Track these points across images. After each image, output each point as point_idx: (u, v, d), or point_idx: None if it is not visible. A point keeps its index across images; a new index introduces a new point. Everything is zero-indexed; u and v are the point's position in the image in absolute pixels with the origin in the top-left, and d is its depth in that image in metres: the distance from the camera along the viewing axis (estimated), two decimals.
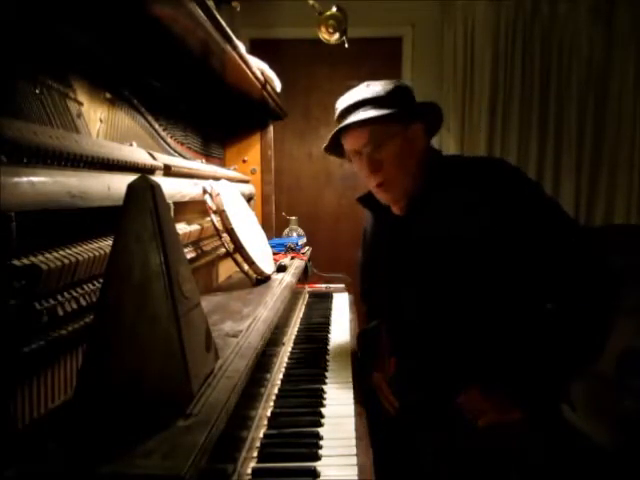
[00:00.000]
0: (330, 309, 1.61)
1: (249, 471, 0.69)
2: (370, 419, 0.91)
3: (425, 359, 1.10)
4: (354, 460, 0.73)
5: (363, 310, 1.66)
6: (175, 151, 1.28)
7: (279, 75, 1.75)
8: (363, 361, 1.23)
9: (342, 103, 1.09)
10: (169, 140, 1.25)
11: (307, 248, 1.91)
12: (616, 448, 1.03)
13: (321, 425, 0.82)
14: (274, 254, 1.53)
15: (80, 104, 0.83)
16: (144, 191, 0.54)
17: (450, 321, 1.04)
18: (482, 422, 0.97)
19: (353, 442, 0.78)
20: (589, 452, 1.00)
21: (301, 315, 1.50)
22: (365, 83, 1.08)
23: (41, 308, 0.53)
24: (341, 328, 1.41)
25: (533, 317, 1.01)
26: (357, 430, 0.82)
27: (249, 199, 1.81)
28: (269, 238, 1.70)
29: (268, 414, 0.85)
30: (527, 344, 0.99)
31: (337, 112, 1.10)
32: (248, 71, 1.38)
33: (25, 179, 0.52)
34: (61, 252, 0.59)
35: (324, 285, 1.87)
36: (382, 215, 1.19)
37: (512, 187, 1.01)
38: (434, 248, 1.05)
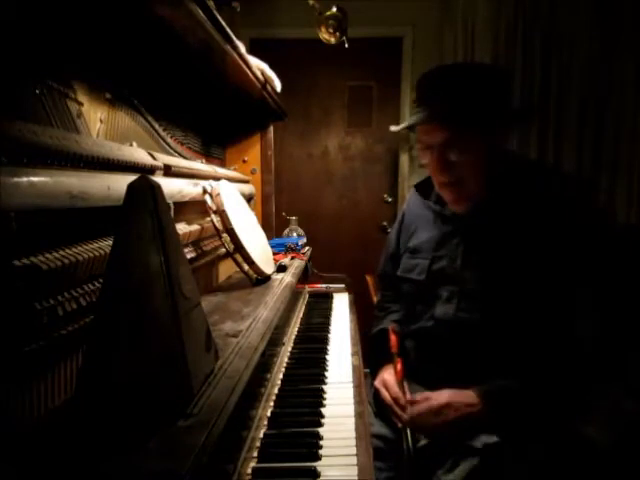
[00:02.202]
0: (330, 309, 1.61)
1: (249, 471, 0.69)
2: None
3: (450, 362, 1.08)
4: (354, 460, 0.73)
5: (363, 310, 1.66)
6: (175, 151, 1.28)
7: (279, 75, 1.75)
8: (372, 361, 1.22)
9: (428, 83, 1.00)
10: (169, 140, 1.25)
11: (307, 248, 1.91)
12: (616, 448, 1.03)
13: (321, 425, 0.82)
14: (274, 254, 1.53)
15: (80, 104, 0.83)
16: (144, 191, 0.54)
17: (487, 326, 1.02)
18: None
19: (353, 442, 0.78)
20: (589, 452, 1.00)
21: (301, 315, 1.50)
22: (462, 64, 1.00)
23: (41, 308, 0.53)
24: (341, 328, 1.41)
25: (562, 338, 0.99)
26: (357, 430, 0.82)
27: (249, 199, 1.81)
28: (269, 238, 1.70)
29: (268, 414, 0.85)
30: (551, 360, 0.98)
31: (419, 90, 1.02)
32: (248, 71, 1.38)
33: (25, 179, 0.52)
34: (61, 252, 0.59)
35: (324, 285, 1.87)
36: (437, 207, 1.16)
37: (574, 212, 0.99)
38: (488, 252, 1.02)
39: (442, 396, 1.01)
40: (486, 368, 1.03)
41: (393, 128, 1.13)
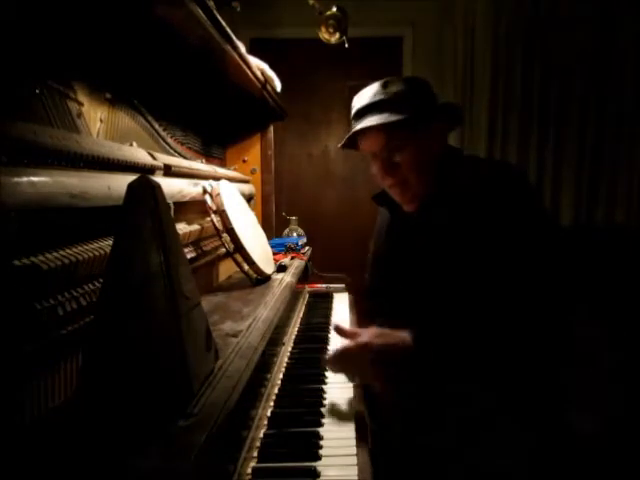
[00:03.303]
0: (330, 309, 1.61)
1: (249, 471, 0.69)
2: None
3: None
4: (354, 460, 0.73)
5: (363, 310, 1.66)
6: (175, 151, 1.28)
7: (279, 75, 1.75)
8: None
9: (358, 102, 1.08)
10: (169, 140, 1.25)
11: (307, 248, 1.91)
12: (611, 444, 1.03)
13: (321, 425, 0.82)
14: (274, 254, 1.53)
15: (80, 104, 0.83)
16: (144, 191, 0.54)
17: (451, 318, 1.04)
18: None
19: (353, 442, 0.78)
20: (583, 449, 1.00)
21: (301, 315, 1.50)
22: (382, 81, 1.07)
23: (41, 308, 0.53)
24: None
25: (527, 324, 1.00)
26: (357, 430, 0.82)
27: (249, 199, 1.81)
28: (269, 238, 1.70)
29: (268, 414, 0.85)
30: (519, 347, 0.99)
31: (353, 111, 1.09)
32: (248, 71, 1.38)
33: (25, 179, 0.52)
34: (61, 252, 0.59)
35: (324, 285, 1.87)
36: (396, 212, 1.20)
37: (512, 200, 1.01)
38: (441, 249, 1.05)
39: (365, 334, 0.96)
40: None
41: (339, 145, 1.20)
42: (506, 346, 0.98)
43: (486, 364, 0.98)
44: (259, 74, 1.51)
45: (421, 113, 1.03)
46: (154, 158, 0.92)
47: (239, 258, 1.15)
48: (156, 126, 1.17)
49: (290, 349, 1.18)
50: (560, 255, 1.01)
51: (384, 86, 1.06)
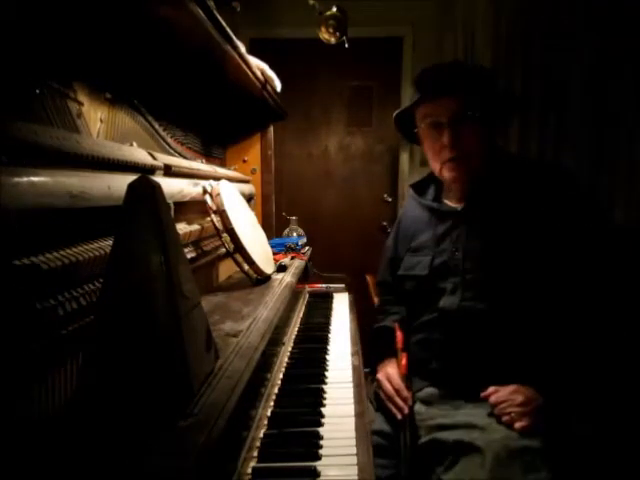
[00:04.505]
0: (330, 309, 1.61)
1: (249, 471, 0.69)
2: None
3: (457, 353, 1.09)
4: (354, 460, 0.73)
5: (363, 310, 1.66)
6: (175, 151, 1.28)
7: (279, 75, 1.75)
8: (373, 356, 1.23)
9: (431, 70, 1.09)
10: (169, 140, 1.25)
11: (307, 248, 1.91)
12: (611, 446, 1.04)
13: (321, 425, 0.82)
14: (274, 254, 1.53)
15: (80, 104, 0.83)
16: (144, 191, 0.54)
17: (493, 315, 1.04)
18: (520, 427, 0.94)
19: (353, 442, 0.78)
20: (583, 449, 1.00)
21: (301, 315, 1.50)
22: (456, 59, 1.13)
23: (41, 308, 0.53)
24: (341, 328, 1.41)
25: (571, 321, 1.01)
26: (357, 430, 0.82)
27: (249, 199, 1.82)
28: (269, 238, 1.70)
29: (268, 414, 0.85)
30: (561, 347, 1.00)
31: (424, 76, 1.10)
32: (248, 71, 1.38)
33: (25, 179, 0.52)
34: (61, 252, 0.59)
35: (324, 285, 1.87)
36: (435, 204, 1.20)
37: (570, 199, 1.04)
38: (490, 242, 1.06)
39: (508, 387, 1.01)
40: (492, 356, 1.04)
41: (396, 112, 1.20)
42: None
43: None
44: (259, 74, 1.51)
45: (496, 98, 1.07)
46: (154, 158, 0.92)
47: (239, 258, 1.15)
48: (156, 126, 1.17)
49: (290, 349, 1.18)
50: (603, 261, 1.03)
51: (462, 62, 1.10)
